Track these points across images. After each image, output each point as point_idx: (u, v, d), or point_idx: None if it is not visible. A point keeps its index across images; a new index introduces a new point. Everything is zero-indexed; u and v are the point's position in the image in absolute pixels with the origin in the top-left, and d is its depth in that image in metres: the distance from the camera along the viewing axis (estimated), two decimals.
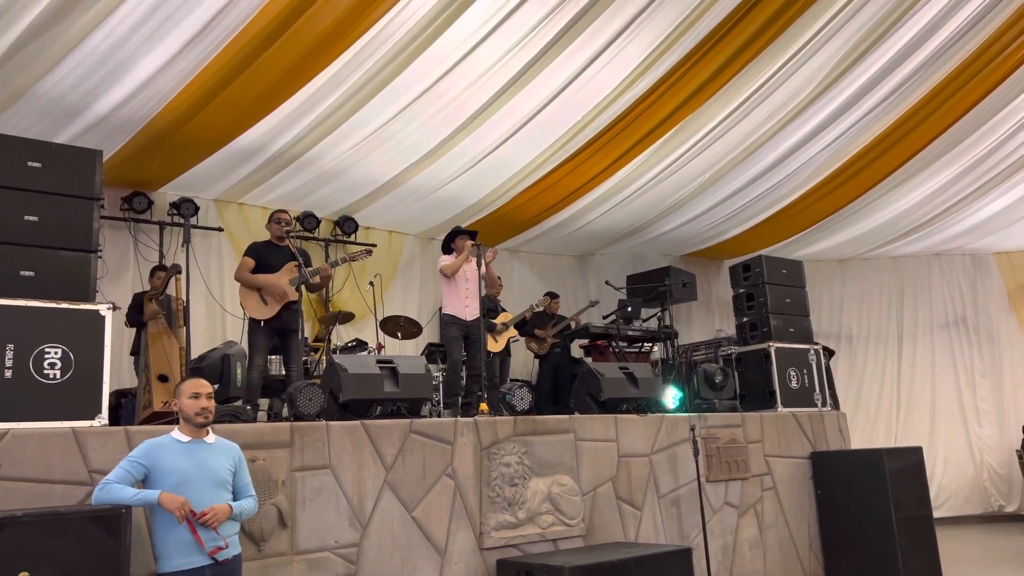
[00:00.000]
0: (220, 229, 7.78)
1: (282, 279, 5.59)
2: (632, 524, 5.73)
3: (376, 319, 7.56)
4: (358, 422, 4.68)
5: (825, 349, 7.99)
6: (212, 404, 3.51)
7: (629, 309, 8.67)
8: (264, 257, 5.65)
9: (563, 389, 8.04)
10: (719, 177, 8.47)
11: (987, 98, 7.56)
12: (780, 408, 6.97)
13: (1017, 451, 10.20)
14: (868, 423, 10.85)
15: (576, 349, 9.01)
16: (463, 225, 8.14)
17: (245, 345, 5.60)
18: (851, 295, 11.33)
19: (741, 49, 6.61)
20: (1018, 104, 7.68)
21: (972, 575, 6.81)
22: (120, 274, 7.21)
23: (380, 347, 7.42)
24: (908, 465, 6.67)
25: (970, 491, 10.60)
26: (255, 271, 5.62)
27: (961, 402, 10.87)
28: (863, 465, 6.63)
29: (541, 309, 8.21)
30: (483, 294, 6.35)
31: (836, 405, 8.01)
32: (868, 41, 6.74)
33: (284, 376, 5.87)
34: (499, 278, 8.10)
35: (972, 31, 6.78)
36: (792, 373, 7.21)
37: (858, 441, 9.91)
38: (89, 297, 4.06)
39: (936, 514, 7.22)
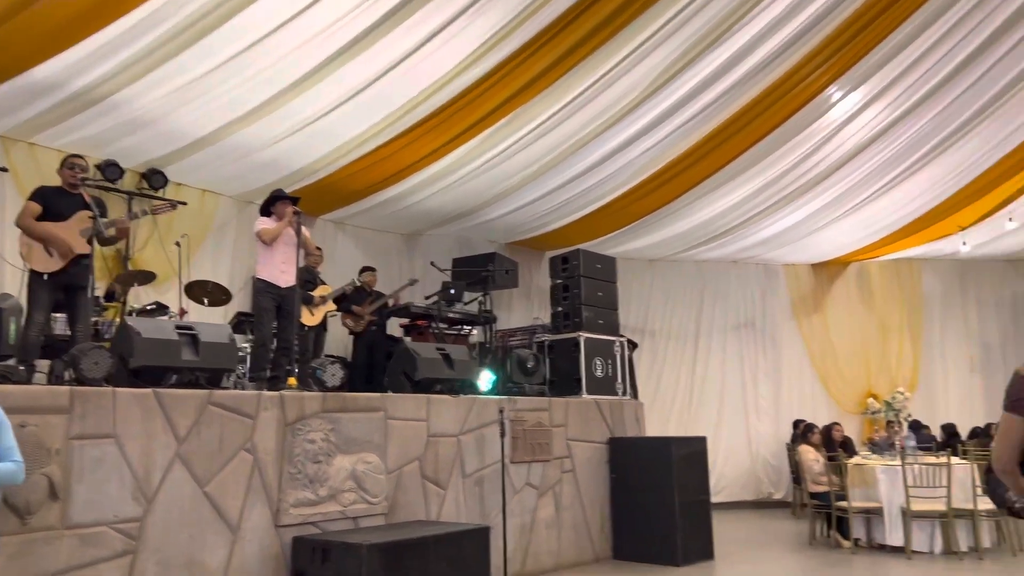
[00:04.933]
0: (4, 169, 6.94)
1: (72, 230, 5.08)
2: (435, 503, 5.78)
3: (181, 282, 7.08)
4: (149, 390, 4.37)
5: (629, 342, 8.46)
6: None
7: (452, 292, 8.71)
8: (53, 204, 5.11)
9: (378, 368, 7.94)
10: (546, 170, 8.70)
11: (788, 121, 8.32)
12: (584, 395, 7.30)
13: (787, 444, 11.34)
14: (664, 413, 11.63)
15: (395, 328, 8.93)
16: (286, 190, 7.81)
17: (24, 299, 5.05)
18: (657, 293, 12.08)
19: (575, 47, 6.81)
20: (813, 129, 8.52)
21: (739, 553, 7.49)
22: None
23: (183, 313, 6.96)
24: (693, 453, 7.22)
25: (746, 479, 11.69)
26: (41, 218, 5.07)
27: (744, 398, 11.96)
28: (653, 451, 7.11)
29: (361, 284, 8.04)
30: (301, 264, 6.13)
31: (635, 395, 8.51)
32: (688, 56, 7.19)
33: (69, 336, 5.36)
34: (319, 248, 7.86)
35: (779, 58, 7.43)
36: (598, 362, 7.57)
37: (653, 429, 10.57)
38: None
39: (714, 499, 7.88)
